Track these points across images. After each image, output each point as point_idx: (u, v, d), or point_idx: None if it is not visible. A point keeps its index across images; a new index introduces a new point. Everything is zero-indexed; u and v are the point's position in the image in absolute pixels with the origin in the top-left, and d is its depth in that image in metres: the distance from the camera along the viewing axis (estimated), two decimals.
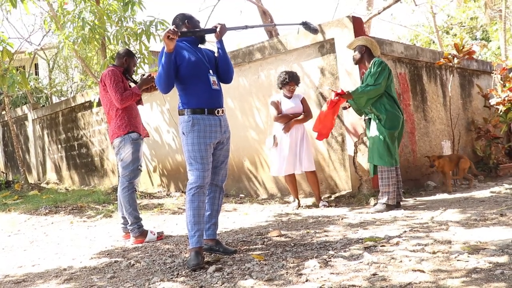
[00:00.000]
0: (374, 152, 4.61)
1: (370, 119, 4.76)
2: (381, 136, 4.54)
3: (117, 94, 4.02)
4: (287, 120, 5.27)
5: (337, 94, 4.68)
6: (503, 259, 2.47)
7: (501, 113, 7.18)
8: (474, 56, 6.87)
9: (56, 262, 3.57)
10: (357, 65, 5.17)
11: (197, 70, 3.11)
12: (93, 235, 4.68)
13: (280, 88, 5.37)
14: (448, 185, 5.70)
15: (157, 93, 6.99)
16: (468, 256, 2.58)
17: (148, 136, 4.43)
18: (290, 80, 5.26)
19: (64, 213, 6.12)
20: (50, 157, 10.76)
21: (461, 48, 6.56)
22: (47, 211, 6.27)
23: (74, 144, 9.92)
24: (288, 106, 5.31)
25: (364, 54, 4.76)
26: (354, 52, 4.83)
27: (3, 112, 11.48)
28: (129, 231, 4.15)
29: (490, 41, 16.37)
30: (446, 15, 17.08)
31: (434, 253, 2.73)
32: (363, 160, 5.39)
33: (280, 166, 5.31)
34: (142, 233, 4.11)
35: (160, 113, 7.86)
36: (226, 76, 3.28)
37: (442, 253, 2.71)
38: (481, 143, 7.24)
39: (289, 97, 5.36)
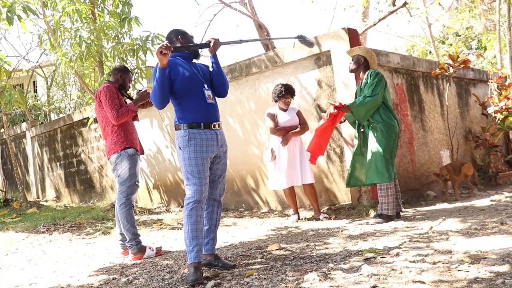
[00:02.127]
0: (372, 170, 4.54)
1: (363, 132, 4.73)
2: (379, 150, 4.50)
3: (112, 111, 4.02)
4: (284, 132, 5.26)
5: (335, 107, 4.68)
6: (504, 268, 2.45)
7: (499, 121, 7.19)
8: (471, 65, 6.91)
9: (54, 281, 3.53)
10: (353, 74, 5.18)
11: (191, 85, 3.11)
12: (91, 252, 4.64)
13: (276, 101, 5.38)
14: (456, 193, 5.71)
15: (155, 109, 7.00)
16: (469, 266, 2.55)
17: (143, 153, 4.41)
18: (286, 93, 5.27)
19: (62, 231, 6.08)
20: (49, 175, 10.73)
21: (456, 57, 6.60)
22: (45, 229, 6.23)
23: (72, 161, 9.91)
24: (284, 118, 5.31)
25: (361, 65, 4.76)
26: (352, 61, 4.83)
27: (2, 130, 11.48)
28: (128, 247, 4.12)
29: (486, 50, 16.47)
30: (441, 25, 17.21)
31: (434, 263, 2.70)
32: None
33: (279, 179, 5.28)
34: (140, 249, 4.07)
35: (159, 129, 7.87)
36: (221, 90, 3.29)
37: (443, 263, 2.69)
38: (480, 152, 7.24)
39: (285, 110, 5.37)
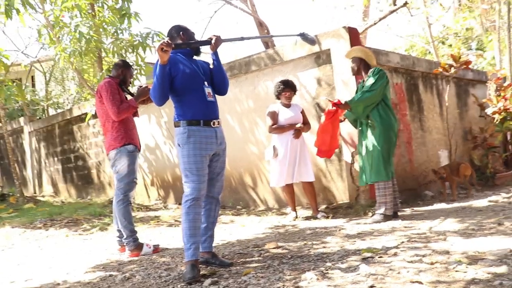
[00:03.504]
0: (369, 169, 4.55)
1: (361, 130, 4.72)
2: (377, 148, 4.49)
3: (113, 107, 4.00)
4: (282, 130, 5.24)
5: (334, 104, 4.66)
6: (502, 269, 2.45)
7: (497, 122, 7.20)
8: (470, 66, 6.90)
9: (50, 277, 3.52)
10: (354, 76, 5.16)
11: (192, 82, 3.10)
12: (88, 249, 4.62)
13: (278, 98, 5.36)
14: (453, 194, 5.71)
15: (154, 105, 6.99)
16: (467, 267, 2.55)
17: (140, 150, 4.38)
18: (286, 87, 5.25)
19: (59, 226, 6.07)
20: (46, 170, 10.70)
21: (458, 58, 6.60)
22: (42, 224, 6.21)
23: (70, 157, 9.88)
24: (287, 115, 5.28)
25: (361, 66, 4.75)
26: (352, 63, 4.82)
27: None
28: (125, 244, 4.11)
29: (485, 51, 16.48)
30: (442, 25, 17.20)
31: (432, 264, 2.70)
32: None
33: (279, 176, 5.26)
34: (137, 246, 4.07)
35: (157, 125, 7.85)
36: (221, 88, 3.28)
37: (440, 263, 2.69)
38: (478, 153, 7.24)
39: (288, 106, 5.34)
